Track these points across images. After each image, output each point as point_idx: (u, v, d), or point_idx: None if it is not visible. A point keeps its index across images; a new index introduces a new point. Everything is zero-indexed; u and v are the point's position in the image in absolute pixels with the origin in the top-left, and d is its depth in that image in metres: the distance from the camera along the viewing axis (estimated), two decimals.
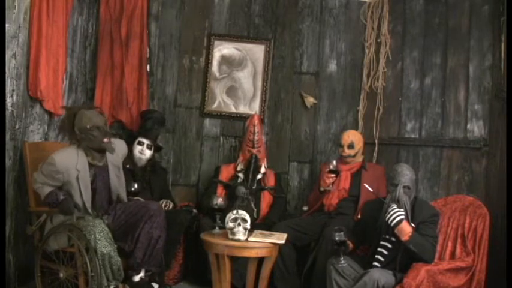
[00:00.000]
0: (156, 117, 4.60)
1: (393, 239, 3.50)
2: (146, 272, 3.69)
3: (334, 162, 4.19)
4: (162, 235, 3.66)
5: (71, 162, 3.54)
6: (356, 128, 4.81)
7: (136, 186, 4.11)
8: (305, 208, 4.42)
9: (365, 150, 4.54)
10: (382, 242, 3.55)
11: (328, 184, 4.23)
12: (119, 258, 3.48)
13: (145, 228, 3.60)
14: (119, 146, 3.81)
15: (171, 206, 4.36)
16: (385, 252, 3.53)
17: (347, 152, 4.33)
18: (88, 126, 3.54)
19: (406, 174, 3.54)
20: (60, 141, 4.28)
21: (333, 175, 4.19)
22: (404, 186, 3.50)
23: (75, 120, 3.58)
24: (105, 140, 3.59)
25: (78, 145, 3.61)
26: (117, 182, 3.78)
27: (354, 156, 4.36)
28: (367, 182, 4.12)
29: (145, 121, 4.57)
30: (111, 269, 3.43)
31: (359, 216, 4.12)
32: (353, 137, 4.37)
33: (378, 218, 3.54)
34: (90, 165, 3.63)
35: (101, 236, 3.41)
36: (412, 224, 3.45)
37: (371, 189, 3.68)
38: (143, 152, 4.42)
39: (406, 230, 3.39)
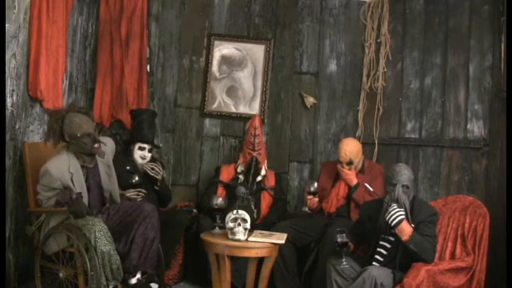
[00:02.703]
0: (149, 117, 4.51)
1: (392, 238, 3.50)
2: (142, 274, 3.69)
3: (316, 184, 4.17)
4: (157, 236, 3.66)
5: (63, 167, 3.55)
6: (356, 128, 4.81)
7: (136, 178, 4.12)
8: (305, 209, 4.38)
9: (364, 151, 4.49)
10: (381, 242, 3.55)
11: (312, 206, 4.22)
12: (119, 258, 3.48)
13: (140, 229, 3.59)
14: (107, 143, 3.82)
15: (160, 170, 4.33)
16: (384, 252, 3.53)
17: (346, 168, 4.27)
18: (79, 134, 3.55)
19: (404, 173, 3.54)
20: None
21: (311, 196, 4.17)
22: (403, 186, 3.50)
23: (64, 125, 3.58)
24: (96, 146, 3.62)
25: (68, 148, 3.62)
26: (109, 180, 3.79)
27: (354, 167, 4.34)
28: (363, 187, 4.14)
29: (140, 123, 4.44)
30: (110, 268, 3.44)
31: (357, 216, 4.13)
32: (350, 153, 4.24)
33: (377, 219, 3.53)
34: (82, 166, 3.65)
35: (100, 235, 3.42)
36: (412, 224, 3.45)
37: (371, 189, 3.69)
38: (145, 156, 4.40)
39: (406, 229, 3.39)
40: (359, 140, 4.63)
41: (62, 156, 3.60)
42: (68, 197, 3.47)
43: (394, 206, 3.43)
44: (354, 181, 4.25)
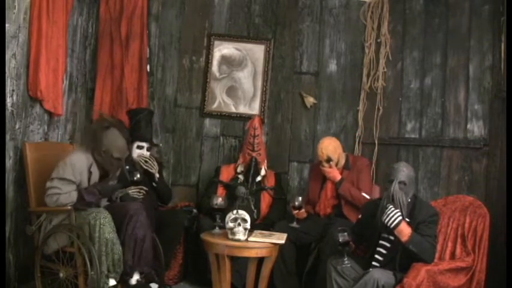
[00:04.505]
0: (146, 116, 4.48)
1: (391, 237, 3.49)
2: (141, 274, 3.69)
3: (300, 198, 4.16)
4: (147, 234, 3.65)
5: (85, 164, 3.62)
6: (356, 128, 4.81)
7: (138, 175, 4.12)
8: (293, 224, 4.21)
9: (345, 149, 4.49)
10: (380, 241, 3.55)
11: (301, 217, 4.20)
12: (121, 248, 3.49)
13: (128, 230, 3.59)
14: None
15: (155, 166, 4.33)
16: (384, 251, 3.53)
17: (327, 166, 4.29)
18: (114, 155, 3.64)
19: (402, 170, 3.53)
20: (60, 141, 4.30)
21: (297, 211, 4.15)
22: (399, 182, 3.49)
23: (105, 136, 3.64)
24: (115, 170, 3.72)
25: (91, 152, 3.66)
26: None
27: (336, 164, 4.33)
28: (350, 183, 4.22)
29: (137, 122, 4.43)
30: (112, 258, 3.44)
31: (350, 213, 4.17)
32: (326, 150, 4.27)
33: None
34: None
35: (105, 221, 3.46)
36: (411, 223, 3.44)
37: (368, 197, 3.69)
38: (144, 155, 4.39)
39: (405, 231, 3.38)
40: (359, 140, 4.67)
41: (83, 155, 3.66)
42: (97, 195, 3.57)
43: (391, 207, 3.42)
44: (338, 177, 4.27)
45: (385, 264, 3.48)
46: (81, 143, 3.72)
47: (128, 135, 3.87)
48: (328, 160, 4.26)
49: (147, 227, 3.67)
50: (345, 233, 3.43)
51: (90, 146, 3.67)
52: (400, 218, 3.38)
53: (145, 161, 4.32)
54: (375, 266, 3.50)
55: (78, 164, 3.56)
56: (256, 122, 4.55)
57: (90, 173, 3.62)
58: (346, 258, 3.45)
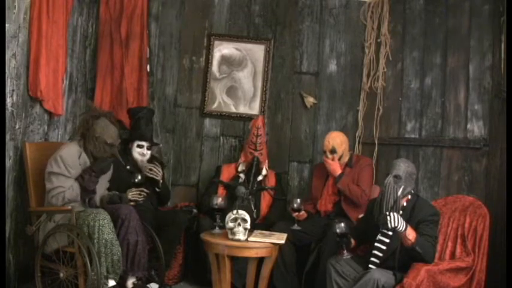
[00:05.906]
0: (146, 114, 4.47)
1: (390, 233, 3.49)
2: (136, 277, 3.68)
3: (299, 200, 4.14)
4: (140, 239, 3.62)
5: (74, 155, 3.64)
6: (356, 128, 4.81)
7: (139, 177, 4.11)
8: (294, 227, 4.16)
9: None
10: (379, 237, 3.54)
11: (302, 219, 4.19)
12: (120, 249, 3.49)
13: (120, 235, 3.58)
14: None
15: (160, 172, 4.32)
16: (383, 247, 3.52)
17: (330, 157, 4.30)
18: (108, 141, 3.68)
19: (399, 165, 3.55)
20: (60, 141, 4.30)
21: (296, 213, 4.13)
22: (395, 176, 3.49)
23: (96, 125, 3.68)
24: (106, 156, 3.71)
25: (79, 143, 3.69)
26: (101, 189, 3.83)
27: (339, 159, 4.34)
28: (350, 180, 4.23)
29: (137, 121, 4.42)
30: (111, 259, 3.44)
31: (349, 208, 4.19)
32: (333, 141, 4.29)
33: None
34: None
35: (104, 223, 3.45)
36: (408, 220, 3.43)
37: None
38: (144, 154, 4.38)
39: (412, 233, 3.37)
40: (359, 140, 4.70)
41: (73, 147, 3.69)
42: (92, 175, 3.59)
43: (394, 213, 3.38)
44: (338, 171, 4.28)
45: (384, 261, 3.48)
46: (73, 133, 3.72)
47: (117, 122, 3.88)
48: (332, 151, 4.27)
49: (140, 232, 3.64)
50: (342, 224, 3.45)
51: (81, 133, 3.70)
52: (404, 222, 3.36)
53: (150, 169, 4.30)
54: (374, 263, 3.50)
55: (68, 158, 3.58)
56: (259, 122, 4.55)
57: (80, 164, 3.64)
58: (345, 251, 3.45)
